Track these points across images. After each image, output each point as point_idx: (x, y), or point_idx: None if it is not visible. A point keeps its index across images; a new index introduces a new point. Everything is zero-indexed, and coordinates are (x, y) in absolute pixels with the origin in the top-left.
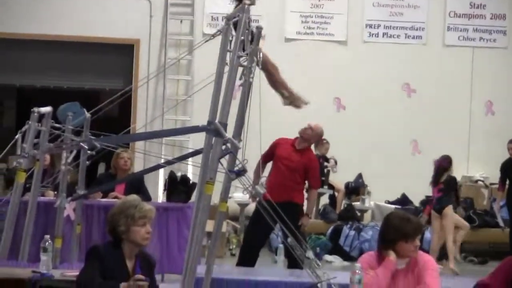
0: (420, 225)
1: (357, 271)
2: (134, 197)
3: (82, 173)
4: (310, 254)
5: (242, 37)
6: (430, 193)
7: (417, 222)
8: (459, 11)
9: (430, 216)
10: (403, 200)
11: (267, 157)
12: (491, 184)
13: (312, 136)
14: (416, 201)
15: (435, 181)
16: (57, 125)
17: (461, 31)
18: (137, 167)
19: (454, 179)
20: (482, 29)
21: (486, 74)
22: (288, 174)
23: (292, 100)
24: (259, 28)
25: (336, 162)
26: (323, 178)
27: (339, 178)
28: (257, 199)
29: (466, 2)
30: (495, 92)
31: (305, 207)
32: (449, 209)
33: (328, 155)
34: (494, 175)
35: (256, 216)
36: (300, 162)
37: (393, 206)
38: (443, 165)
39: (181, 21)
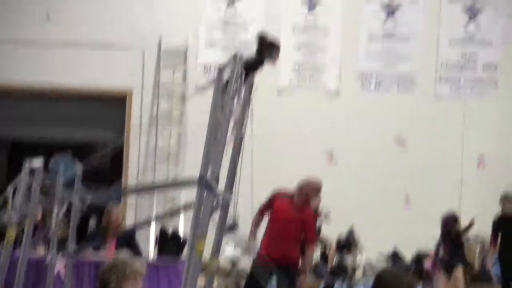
0: (412, 284)
1: None
2: (125, 253)
3: (73, 228)
4: None
5: (234, 89)
6: (420, 248)
7: (409, 281)
8: (451, 62)
9: (427, 273)
10: (395, 255)
11: (265, 209)
12: (483, 239)
13: (310, 190)
14: (408, 255)
15: (443, 239)
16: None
17: (452, 82)
18: (129, 219)
19: (460, 236)
20: (474, 80)
21: (477, 126)
22: (285, 229)
23: None
24: (252, 79)
25: (327, 215)
26: None
27: (331, 232)
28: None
29: (458, 53)
30: (486, 145)
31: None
32: (458, 271)
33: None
34: (486, 230)
35: (252, 272)
36: (298, 218)
37: (384, 262)
38: (450, 221)
39: (173, 72)
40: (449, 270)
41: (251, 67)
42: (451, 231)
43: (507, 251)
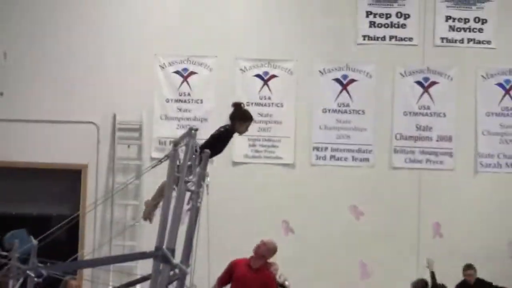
0: None
1: None
2: None
3: None
4: None
5: (189, 162)
6: None
7: None
8: (406, 133)
9: None
10: None
11: (223, 280)
12: None
13: (266, 251)
14: None
15: None
16: (3, 253)
17: (407, 153)
18: None
19: None
20: (429, 151)
21: (433, 196)
22: None
23: None
24: (207, 153)
25: (284, 283)
26: None
27: None
28: None
29: (412, 124)
30: (442, 214)
31: None
32: None
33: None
34: None
35: None
36: (259, 280)
37: None
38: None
39: (128, 146)
40: None
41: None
42: None
43: None
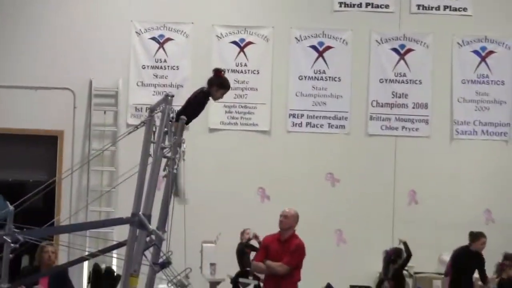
0: None
1: None
2: None
3: (5, 266)
4: None
5: (165, 128)
6: (354, 283)
7: None
8: (382, 100)
9: None
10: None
11: (261, 257)
12: (416, 273)
13: (291, 222)
14: None
15: (384, 273)
16: None
17: (383, 120)
18: (61, 259)
19: (400, 272)
20: (405, 118)
21: (409, 163)
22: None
23: None
24: (183, 119)
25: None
26: (248, 268)
27: None
28: None
29: (389, 91)
30: (418, 181)
31: None
32: None
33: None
34: (418, 264)
35: None
36: (287, 250)
37: None
38: (389, 257)
39: (104, 112)
40: None
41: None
42: (390, 266)
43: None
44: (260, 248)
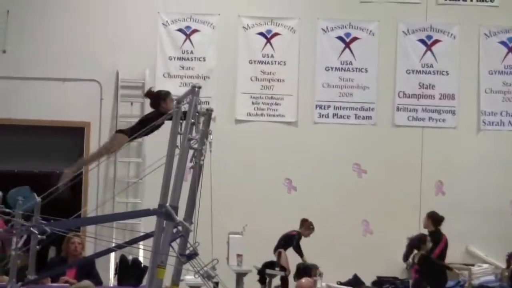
0: None
1: None
2: (85, 282)
3: (32, 258)
4: None
5: (192, 120)
6: (381, 274)
7: None
8: (408, 91)
9: None
10: (355, 281)
11: None
12: None
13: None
14: (368, 282)
15: (405, 259)
16: (7, 210)
17: (410, 111)
18: (88, 250)
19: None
20: (431, 109)
21: (435, 154)
22: None
23: None
24: (210, 110)
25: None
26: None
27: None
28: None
29: (415, 82)
30: (445, 172)
31: None
32: None
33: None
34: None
35: None
36: None
37: (344, 287)
38: (413, 243)
39: (131, 104)
40: None
41: None
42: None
43: None
44: None
